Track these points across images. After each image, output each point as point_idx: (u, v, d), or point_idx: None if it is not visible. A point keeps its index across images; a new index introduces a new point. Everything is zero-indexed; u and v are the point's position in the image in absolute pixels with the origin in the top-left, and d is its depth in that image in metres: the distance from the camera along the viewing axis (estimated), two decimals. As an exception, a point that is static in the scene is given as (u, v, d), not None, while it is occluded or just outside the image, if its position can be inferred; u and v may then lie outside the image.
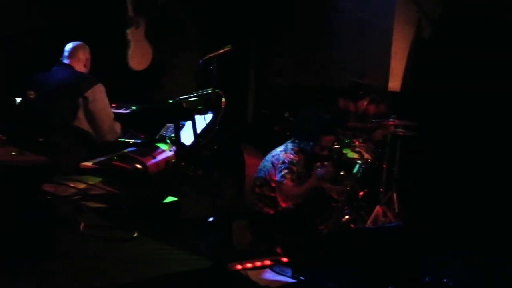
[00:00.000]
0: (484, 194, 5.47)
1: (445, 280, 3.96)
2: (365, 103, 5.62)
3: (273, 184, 4.49)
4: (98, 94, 4.05)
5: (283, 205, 4.46)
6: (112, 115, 4.22)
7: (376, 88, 5.69)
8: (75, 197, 2.93)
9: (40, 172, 2.81)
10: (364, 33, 6.23)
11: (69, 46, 4.23)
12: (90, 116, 4.01)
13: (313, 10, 6.78)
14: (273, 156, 4.57)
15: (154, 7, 6.02)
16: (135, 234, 2.49)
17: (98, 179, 3.23)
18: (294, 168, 4.46)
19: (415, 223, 4.87)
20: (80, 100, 3.98)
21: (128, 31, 5.74)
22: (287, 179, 4.40)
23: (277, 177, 4.44)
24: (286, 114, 5.54)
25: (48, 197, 2.67)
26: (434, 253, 4.31)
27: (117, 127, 4.22)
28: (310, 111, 4.77)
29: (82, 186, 3.09)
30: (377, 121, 5.31)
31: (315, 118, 4.63)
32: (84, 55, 4.25)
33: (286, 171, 4.42)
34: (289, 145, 4.60)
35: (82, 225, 2.49)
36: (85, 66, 4.26)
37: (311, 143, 4.55)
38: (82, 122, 4.00)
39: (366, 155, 4.87)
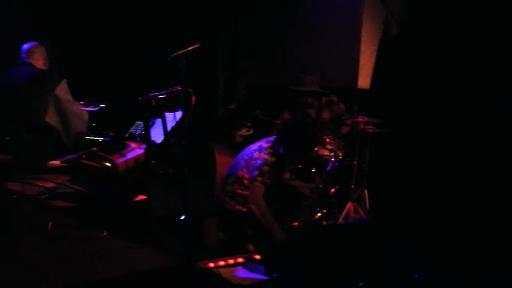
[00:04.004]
0: (453, 189, 5.55)
1: (416, 275, 3.99)
2: (313, 111, 5.42)
3: (246, 182, 4.47)
4: (65, 89, 4.08)
5: (250, 205, 4.42)
6: (79, 106, 4.25)
7: (324, 90, 5.39)
8: (42, 196, 2.87)
9: (7, 170, 2.75)
10: (333, 31, 6.25)
11: (25, 47, 4.26)
12: (62, 112, 4.02)
13: (281, 8, 6.78)
14: (246, 155, 4.55)
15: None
16: (104, 233, 2.45)
17: (66, 178, 3.17)
18: (266, 169, 4.44)
19: (385, 219, 4.91)
20: (50, 97, 3.97)
21: None
22: (257, 181, 4.39)
23: (249, 175, 4.42)
24: (257, 112, 5.52)
25: (14, 196, 2.61)
26: (405, 249, 4.34)
27: (85, 115, 4.22)
28: (303, 123, 4.72)
29: (49, 185, 3.03)
30: (346, 118, 5.33)
31: (306, 133, 4.59)
32: (41, 54, 4.30)
33: (257, 172, 4.40)
34: (264, 144, 4.57)
35: (49, 224, 2.43)
36: (44, 64, 4.32)
37: (287, 150, 4.51)
38: (52, 118, 3.99)
39: (338, 153, 4.88)
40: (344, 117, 5.32)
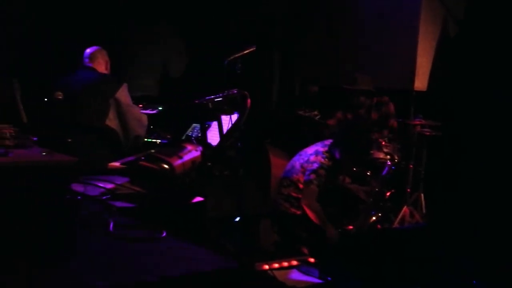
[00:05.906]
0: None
1: (474, 282, 3.91)
2: (363, 111, 5.41)
3: (301, 186, 4.48)
4: (126, 93, 4.21)
5: (304, 207, 4.43)
6: (138, 109, 4.38)
7: (378, 91, 5.44)
8: (103, 197, 2.96)
9: (70, 172, 2.84)
10: (389, 31, 6.18)
11: (88, 51, 4.41)
12: (122, 115, 4.15)
13: (336, 8, 6.75)
14: (302, 158, 4.56)
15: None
16: (164, 234, 2.51)
17: (126, 179, 3.26)
18: (323, 172, 4.45)
19: (442, 224, 4.83)
20: (111, 100, 4.11)
21: None
22: (313, 185, 4.41)
23: (305, 178, 4.44)
24: (315, 113, 5.50)
25: (78, 197, 2.70)
26: (462, 254, 4.26)
27: (144, 119, 4.32)
28: (355, 125, 4.72)
29: (110, 186, 3.12)
30: (403, 121, 5.26)
31: (359, 136, 4.59)
32: (103, 58, 4.44)
33: (314, 176, 4.42)
34: (320, 148, 4.57)
35: (111, 224, 2.51)
36: (106, 68, 4.46)
37: (342, 154, 4.50)
38: (112, 121, 4.12)
39: (395, 156, 4.82)
40: (389, 118, 5.25)
